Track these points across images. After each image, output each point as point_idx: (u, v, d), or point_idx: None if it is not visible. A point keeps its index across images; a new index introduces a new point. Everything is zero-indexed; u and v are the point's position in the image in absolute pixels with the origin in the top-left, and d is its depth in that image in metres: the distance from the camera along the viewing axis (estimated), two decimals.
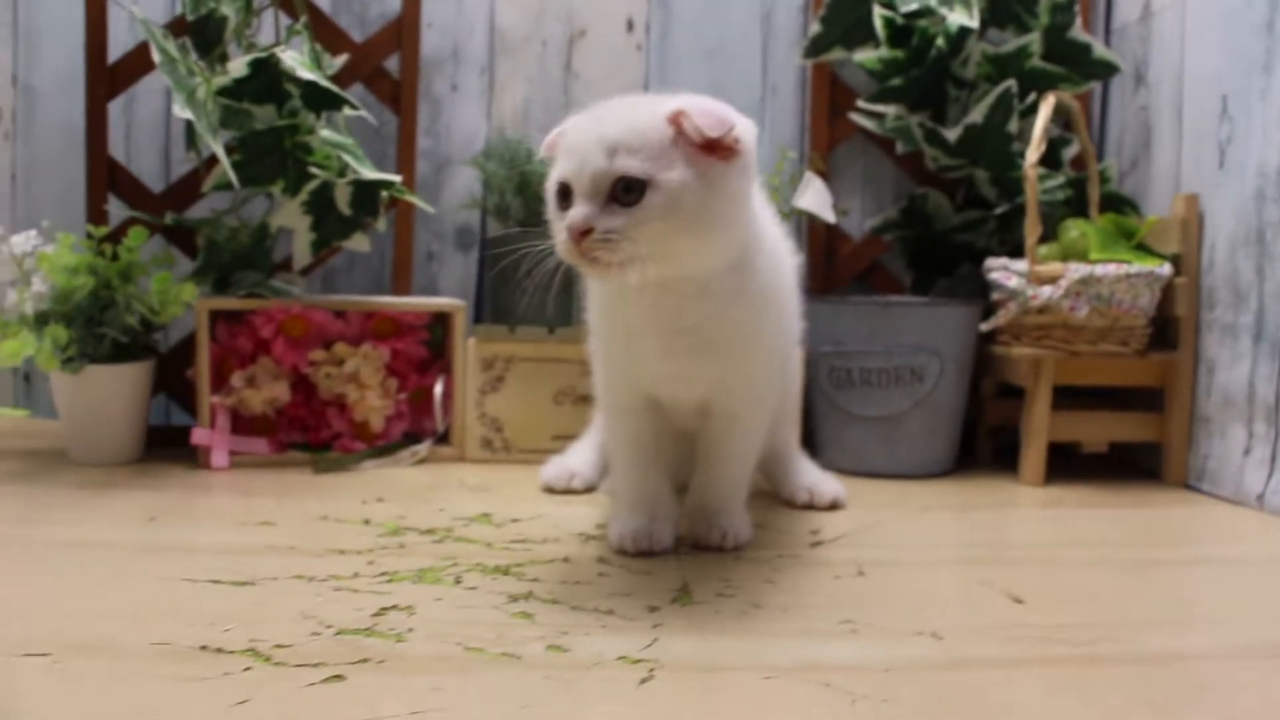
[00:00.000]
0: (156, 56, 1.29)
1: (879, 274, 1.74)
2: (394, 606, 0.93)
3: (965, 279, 1.69)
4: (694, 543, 1.15)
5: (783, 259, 1.15)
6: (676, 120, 0.94)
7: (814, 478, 1.36)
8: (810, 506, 1.33)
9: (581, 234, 0.92)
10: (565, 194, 0.95)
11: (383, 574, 1.02)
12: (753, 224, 1.03)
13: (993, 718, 0.74)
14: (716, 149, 0.95)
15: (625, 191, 0.92)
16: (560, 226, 0.95)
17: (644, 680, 0.79)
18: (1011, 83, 1.49)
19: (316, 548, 1.11)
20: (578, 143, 0.95)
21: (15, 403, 1.75)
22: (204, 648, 0.82)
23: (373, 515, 1.24)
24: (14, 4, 1.70)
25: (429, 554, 1.09)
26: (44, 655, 0.80)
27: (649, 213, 0.92)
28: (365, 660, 0.81)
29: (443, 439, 1.54)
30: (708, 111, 0.94)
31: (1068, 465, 1.56)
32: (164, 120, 1.71)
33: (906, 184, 1.74)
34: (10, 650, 0.81)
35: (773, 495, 1.39)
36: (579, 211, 0.93)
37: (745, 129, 0.97)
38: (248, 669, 0.79)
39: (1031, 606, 0.98)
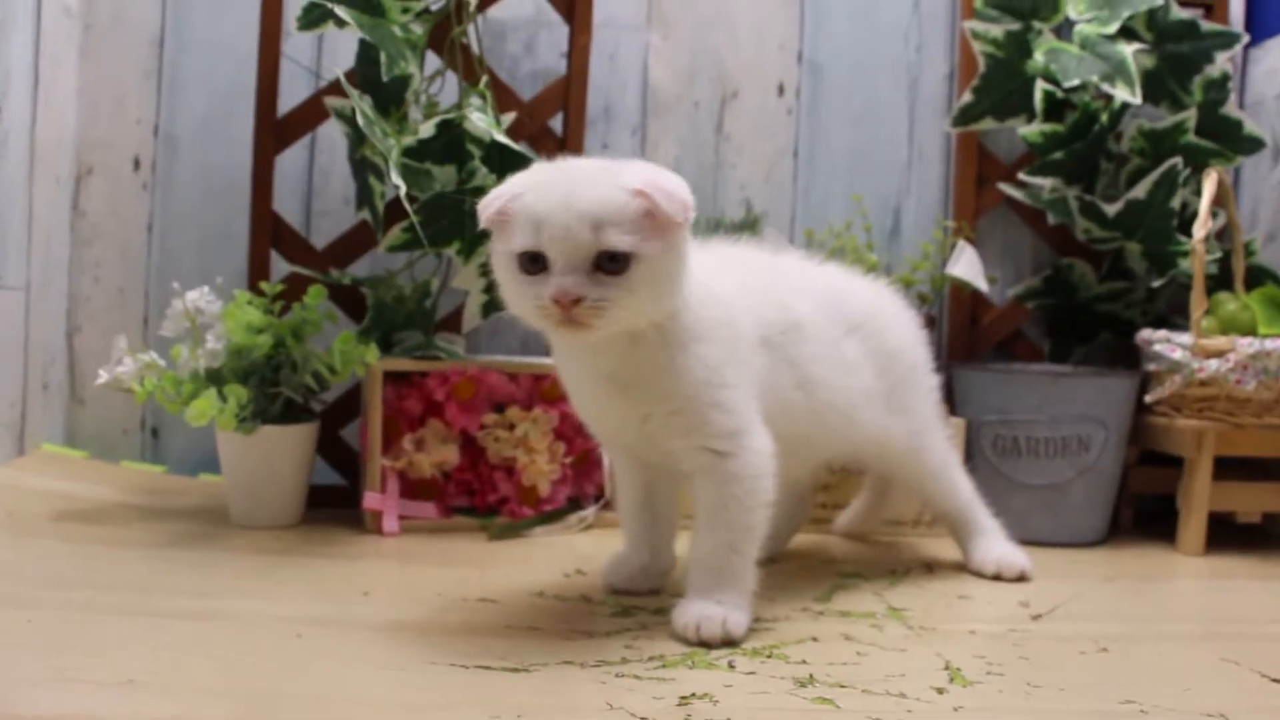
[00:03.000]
0: (359, 119, 1.28)
1: (1019, 341, 1.76)
2: (692, 695, 0.91)
3: (1103, 348, 1.72)
4: (685, 637, 1.05)
5: (724, 304, 1.11)
6: (644, 196, 0.99)
7: (1000, 549, 1.36)
8: (998, 578, 1.34)
9: (573, 302, 0.97)
10: (535, 260, 0.99)
11: (650, 659, 1.00)
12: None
13: None
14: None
15: (610, 261, 0.98)
16: (534, 291, 0.99)
17: None
18: (1177, 160, 1.53)
19: (577, 629, 1.08)
20: (550, 214, 0.97)
21: (142, 456, 1.70)
22: None
23: (586, 590, 1.22)
24: (160, 54, 1.67)
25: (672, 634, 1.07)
26: None
27: (635, 282, 0.98)
28: None
29: (607, 504, 1.52)
30: (672, 195, 0.99)
31: (1217, 534, 1.58)
32: (306, 174, 1.69)
33: (1044, 253, 1.77)
34: None
35: (946, 566, 1.40)
36: (569, 281, 0.97)
37: (691, 198, 1.03)
38: None
39: None
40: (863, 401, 1.24)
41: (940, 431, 1.37)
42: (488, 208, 1.03)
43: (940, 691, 0.94)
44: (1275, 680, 1.01)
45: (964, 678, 0.98)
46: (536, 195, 1.00)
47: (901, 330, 1.32)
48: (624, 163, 1.03)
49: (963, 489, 1.38)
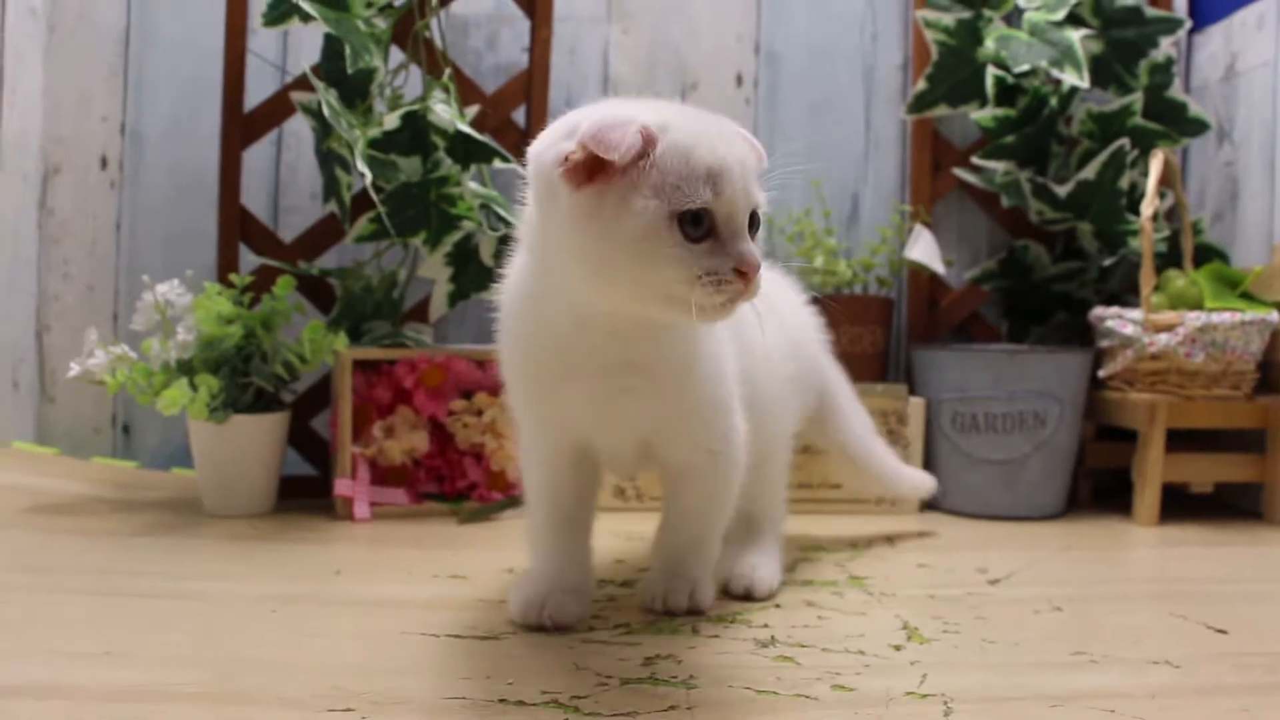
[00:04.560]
0: (326, 111, 1.30)
1: (977, 323, 1.80)
2: (657, 656, 0.93)
3: (1059, 327, 1.76)
4: (652, 607, 1.05)
5: None
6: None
7: (910, 469, 1.39)
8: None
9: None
10: (698, 221, 0.81)
11: (617, 626, 1.02)
12: None
13: None
14: None
15: (751, 225, 0.85)
16: (706, 262, 0.81)
17: (947, 714, 0.81)
18: (1124, 141, 1.57)
19: None
20: (727, 165, 0.82)
21: (113, 453, 1.71)
22: (503, 701, 0.82)
23: None
24: (125, 52, 1.69)
25: (640, 604, 1.09)
26: (348, 711, 0.80)
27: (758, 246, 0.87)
28: (673, 708, 0.82)
29: None
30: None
31: (1172, 506, 1.62)
32: (273, 170, 1.71)
33: (999, 236, 1.81)
34: (312, 706, 0.80)
35: (928, 537, 1.43)
36: (754, 248, 0.83)
37: None
38: None
39: (1236, 637, 1.03)
40: (783, 388, 1.16)
41: (855, 402, 1.35)
42: (619, 141, 0.78)
43: (897, 649, 0.97)
44: (1220, 631, 1.05)
45: (921, 636, 1.01)
46: (693, 138, 0.82)
47: (803, 316, 1.24)
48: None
49: (875, 450, 1.37)
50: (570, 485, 1.03)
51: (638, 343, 0.91)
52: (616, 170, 0.80)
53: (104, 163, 1.70)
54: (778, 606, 1.11)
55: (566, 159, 0.81)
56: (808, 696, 0.85)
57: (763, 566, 1.15)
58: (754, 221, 0.85)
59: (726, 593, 1.13)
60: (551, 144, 0.83)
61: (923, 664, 0.93)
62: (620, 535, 1.40)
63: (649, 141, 0.80)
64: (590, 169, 0.81)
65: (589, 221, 0.82)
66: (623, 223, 0.80)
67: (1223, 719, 0.81)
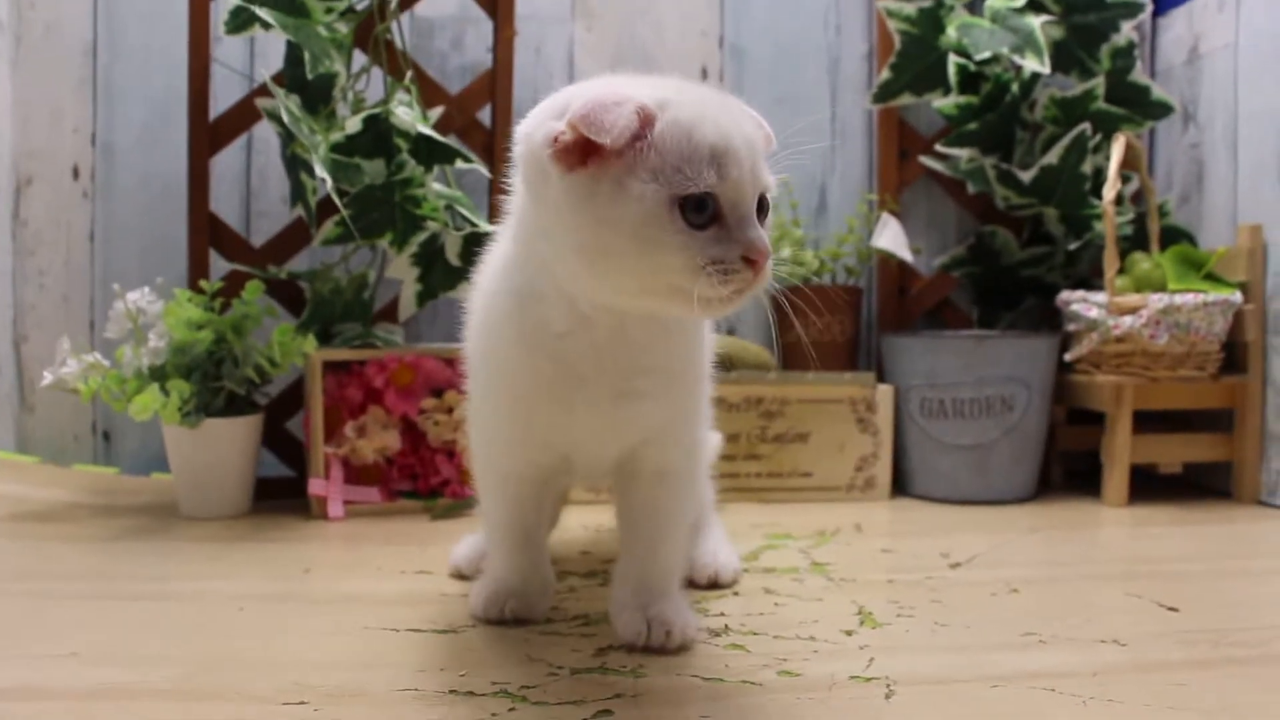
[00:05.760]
0: (285, 116, 1.32)
1: (949, 309, 1.81)
2: (610, 646, 0.95)
3: (1028, 312, 1.77)
4: (631, 644, 0.94)
5: None
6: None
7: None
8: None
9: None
10: (701, 207, 0.75)
11: (575, 618, 1.04)
12: None
13: (1215, 713, 0.79)
14: None
15: (759, 210, 0.80)
16: (712, 250, 0.75)
17: (888, 697, 0.83)
18: (1086, 126, 1.58)
19: None
20: (731, 145, 0.76)
21: (94, 460, 1.73)
22: (453, 691, 0.84)
23: None
24: (93, 63, 1.70)
25: (600, 597, 1.10)
26: (302, 704, 0.81)
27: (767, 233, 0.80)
28: (619, 695, 0.83)
29: None
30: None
31: (1142, 487, 1.63)
32: (244, 176, 1.73)
33: (968, 222, 1.82)
34: (271, 700, 0.82)
35: (897, 523, 1.44)
36: (763, 234, 0.77)
37: None
38: (513, 709, 0.81)
39: (1187, 614, 1.04)
40: None
41: None
42: (612, 122, 0.73)
43: (849, 634, 0.99)
44: (1171, 609, 1.06)
45: (874, 620, 1.03)
46: (695, 115, 0.76)
47: None
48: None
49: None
50: (533, 504, 0.99)
51: (647, 339, 0.86)
52: (611, 152, 0.75)
53: (75, 173, 1.71)
54: (735, 594, 1.12)
55: (556, 139, 0.75)
56: (753, 683, 0.86)
57: (721, 551, 1.16)
58: (762, 206, 0.80)
59: (692, 584, 1.13)
60: (541, 123, 0.78)
61: (872, 648, 0.94)
62: (590, 528, 1.42)
63: (646, 121, 0.75)
64: (583, 150, 0.75)
65: (583, 207, 0.76)
66: (620, 209, 0.75)
67: (1161, 694, 0.83)
